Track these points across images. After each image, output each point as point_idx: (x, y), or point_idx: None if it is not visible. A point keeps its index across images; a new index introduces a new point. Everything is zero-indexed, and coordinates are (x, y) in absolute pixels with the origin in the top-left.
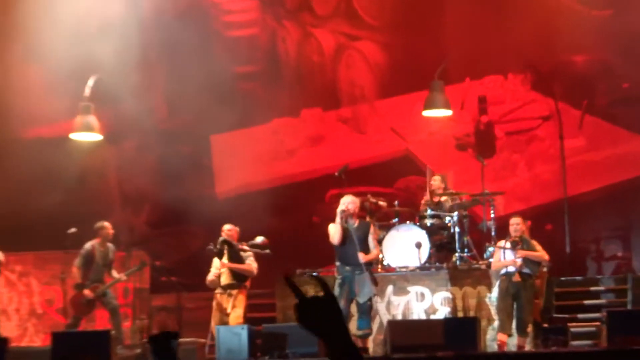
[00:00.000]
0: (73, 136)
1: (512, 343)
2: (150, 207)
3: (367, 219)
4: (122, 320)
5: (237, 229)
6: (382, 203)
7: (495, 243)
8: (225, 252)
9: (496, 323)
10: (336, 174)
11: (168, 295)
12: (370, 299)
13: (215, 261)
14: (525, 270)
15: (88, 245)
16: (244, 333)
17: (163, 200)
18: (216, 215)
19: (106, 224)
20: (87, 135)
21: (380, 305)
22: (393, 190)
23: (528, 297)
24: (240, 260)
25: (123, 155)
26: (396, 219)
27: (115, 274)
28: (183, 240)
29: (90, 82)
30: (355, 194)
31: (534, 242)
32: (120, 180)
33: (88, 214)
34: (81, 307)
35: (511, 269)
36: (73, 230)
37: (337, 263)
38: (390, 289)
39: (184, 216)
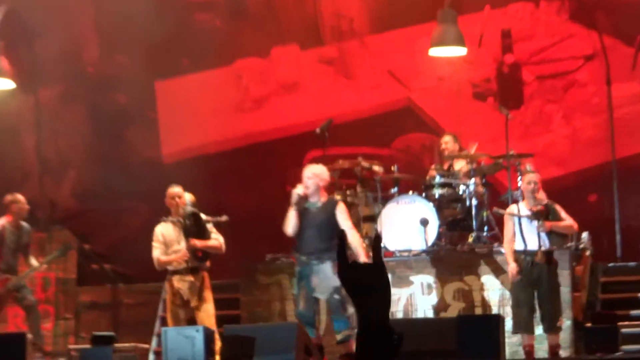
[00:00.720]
0: None
1: (544, 348)
2: (76, 175)
3: (336, 196)
4: (42, 321)
5: (190, 195)
6: (376, 168)
7: (501, 204)
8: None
9: (511, 322)
10: (317, 130)
11: (100, 288)
12: (336, 292)
13: (167, 234)
14: (549, 247)
15: None
16: (198, 336)
17: (93, 165)
18: (162, 184)
19: (19, 197)
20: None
21: None
22: (391, 151)
23: (554, 283)
24: (207, 236)
25: (42, 108)
26: (395, 189)
27: (32, 260)
28: (119, 217)
29: None
30: (343, 157)
31: (558, 206)
32: (38, 140)
33: None
34: None
35: (532, 246)
36: None
37: (295, 254)
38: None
39: (120, 186)
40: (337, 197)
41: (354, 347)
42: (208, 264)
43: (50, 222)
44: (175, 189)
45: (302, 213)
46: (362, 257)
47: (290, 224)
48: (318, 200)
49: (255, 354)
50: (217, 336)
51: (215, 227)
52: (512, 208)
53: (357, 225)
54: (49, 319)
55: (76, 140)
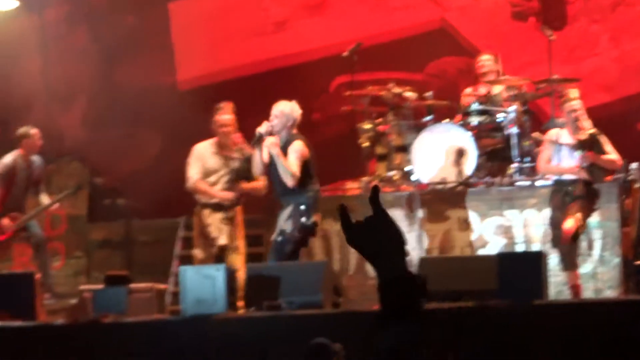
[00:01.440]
0: None
1: (591, 287)
2: (86, 102)
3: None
4: (51, 260)
5: None
6: (409, 94)
7: (543, 132)
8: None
9: (556, 260)
10: (345, 54)
11: (113, 224)
12: (281, 234)
13: (208, 161)
14: (587, 179)
15: (7, 159)
16: (219, 276)
17: (104, 92)
18: (177, 112)
19: (32, 130)
20: None
21: (407, 236)
22: (424, 76)
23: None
24: (252, 177)
25: (47, 30)
26: (429, 117)
27: (43, 198)
28: (133, 147)
29: None
30: (373, 83)
31: (604, 138)
32: (45, 64)
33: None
34: None
35: (569, 176)
36: None
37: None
38: (422, 213)
39: (133, 114)
40: (367, 126)
41: None
42: None
43: (59, 153)
44: (227, 117)
45: (262, 157)
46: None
47: (255, 166)
48: (284, 139)
49: (280, 295)
50: (241, 275)
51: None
52: (552, 134)
53: (389, 155)
54: (59, 257)
55: (85, 64)
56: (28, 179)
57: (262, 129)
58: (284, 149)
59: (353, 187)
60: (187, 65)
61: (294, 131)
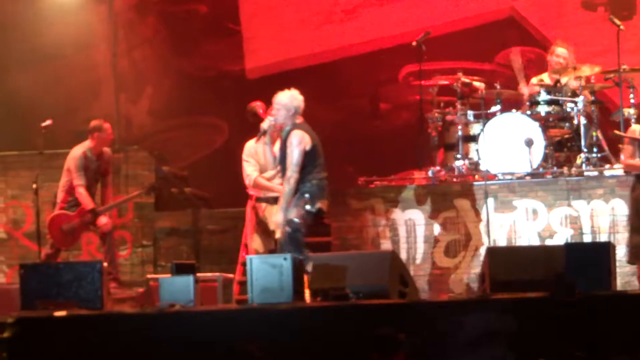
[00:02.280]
0: None
1: None
2: (153, 91)
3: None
4: (118, 248)
5: None
6: (477, 84)
7: (626, 130)
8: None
9: (623, 250)
10: (414, 43)
11: (180, 213)
12: (289, 224)
13: (261, 155)
14: None
15: (77, 152)
16: (286, 265)
17: (172, 80)
18: (245, 100)
19: (105, 125)
20: None
21: (474, 226)
22: (493, 66)
23: None
24: None
25: (116, 18)
26: (498, 107)
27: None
28: (201, 135)
29: None
30: (441, 72)
31: None
32: (113, 53)
33: (68, 101)
34: (63, 236)
35: None
36: (48, 122)
37: None
38: (489, 203)
39: (200, 103)
40: (438, 115)
41: None
42: None
43: (126, 141)
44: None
45: (280, 145)
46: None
47: (265, 160)
48: (287, 130)
49: (346, 284)
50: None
51: None
52: (636, 130)
53: (456, 145)
54: (126, 246)
55: (152, 54)
56: (97, 171)
57: (265, 124)
58: (284, 140)
59: (421, 177)
60: (255, 54)
61: (299, 120)
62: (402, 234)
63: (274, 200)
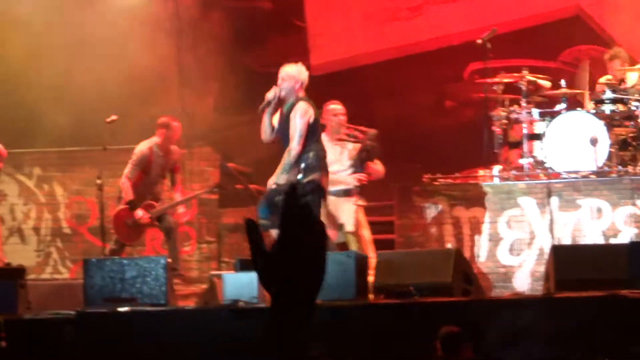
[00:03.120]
0: None
1: None
2: (219, 87)
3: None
4: (182, 244)
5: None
6: (543, 82)
7: None
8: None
9: None
10: (479, 41)
11: (244, 209)
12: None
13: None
14: None
15: (144, 146)
16: (349, 262)
17: (237, 76)
18: (310, 97)
19: (174, 123)
20: None
21: (539, 224)
22: (558, 64)
23: None
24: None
25: (181, 14)
26: (563, 105)
27: (177, 195)
28: None
29: None
30: (506, 70)
31: None
32: (178, 48)
33: (132, 97)
34: (128, 231)
35: None
36: (113, 118)
37: None
38: (554, 202)
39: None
40: (502, 113)
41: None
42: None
43: (191, 138)
44: (336, 106)
45: (280, 118)
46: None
47: (263, 130)
48: (290, 103)
49: (410, 282)
50: (372, 262)
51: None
52: None
53: (521, 143)
54: (190, 242)
55: (217, 49)
56: (164, 167)
57: (269, 94)
58: (288, 113)
59: (485, 175)
60: (320, 50)
61: (302, 94)
62: (466, 232)
63: (343, 193)
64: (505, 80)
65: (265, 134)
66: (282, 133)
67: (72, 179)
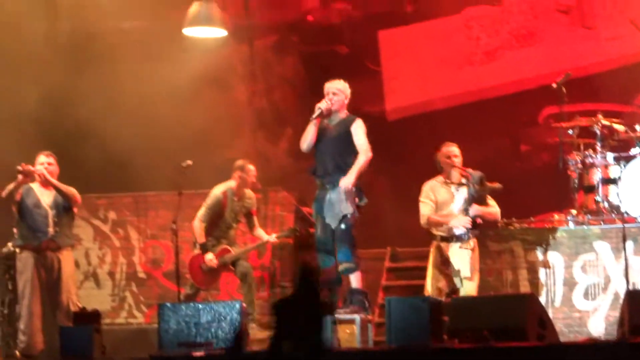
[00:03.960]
0: (186, 31)
1: None
2: (293, 130)
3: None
4: (257, 289)
5: None
6: (618, 126)
7: None
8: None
9: None
10: (554, 85)
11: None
12: (343, 222)
13: (439, 194)
14: None
15: (218, 190)
16: (424, 307)
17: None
18: (385, 141)
19: (249, 166)
20: (205, 31)
21: (614, 269)
22: (633, 108)
23: None
24: (485, 202)
25: (256, 58)
26: (637, 149)
27: (261, 232)
28: None
29: None
30: (581, 114)
31: None
32: (252, 92)
33: (206, 141)
34: (203, 276)
35: None
36: (188, 163)
37: (313, 176)
38: (629, 246)
39: None
40: (577, 157)
41: (354, 282)
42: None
43: (266, 182)
44: (453, 148)
45: (321, 131)
46: (349, 178)
47: (306, 138)
48: (338, 117)
49: (485, 326)
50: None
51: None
52: None
53: (596, 187)
54: (265, 287)
55: (291, 94)
56: (238, 212)
57: (322, 104)
58: (342, 126)
59: (560, 219)
60: (395, 95)
61: (346, 110)
62: (541, 276)
63: (456, 238)
64: (580, 124)
65: (308, 142)
66: (327, 144)
67: (147, 223)
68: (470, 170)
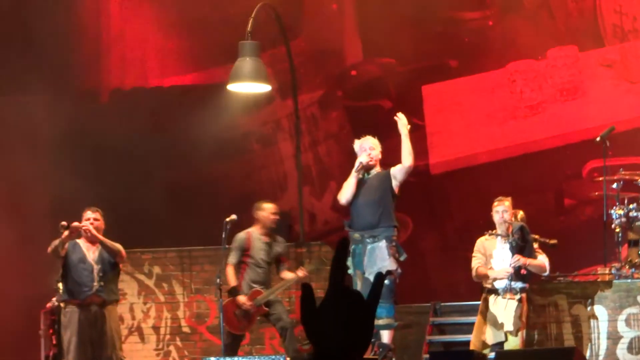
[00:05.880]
0: (230, 87)
1: None
2: (337, 185)
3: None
4: (302, 343)
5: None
6: None
7: None
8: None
9: None
10: (597, 139)
11: None
12: (385, 277)
13: (489, 247)
14: None
15: (242, 233)
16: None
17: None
18: (429, 196)
19: (265, 205)
20: (249, 86)
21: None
22: None
23: None
24: (532, 254)
25: (301, 113)
26: None
27: (286, 274)
28: None
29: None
30: (625, 167)
31: None
32: (297, 147)
33: (253, 195)
34: (238, 322)
35: None
36: (233, 218)
37: (349, 229)
38: None
39: None
40: (619, 211)
41: (385, 337)
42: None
43: (310, 237)
44: (502, 204)
45: (358, 185)
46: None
47: (347, 191)
48: (374, 171)
49: None
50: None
51: (541, 248)
52: None
53: (637, 242)
54: (309, 341)
55: (336, 148)
56: (268, 253)
57: (363, 159)
58: (381, 178)
59: (604, 273)
60: (439, 149)
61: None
62: (585, 330)
63: (503, 290)
64: (624, 178)
65: (348, 195)
66: (366, 197)
67: (191, 278)
68: (512, 220)
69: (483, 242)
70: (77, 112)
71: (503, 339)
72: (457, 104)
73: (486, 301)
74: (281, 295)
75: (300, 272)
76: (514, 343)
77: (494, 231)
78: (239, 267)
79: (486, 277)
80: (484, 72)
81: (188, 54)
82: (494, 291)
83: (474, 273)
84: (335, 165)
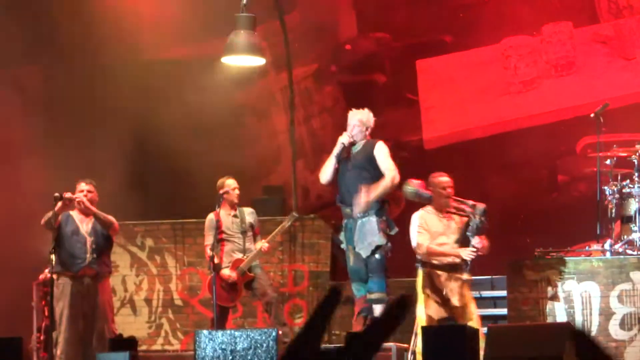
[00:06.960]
0: (225, 60)
1: None
2: None
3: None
4: (294, 316)
5: None
6: None
7: None
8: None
9: None
10: (592, 115)
11: None
12: (376, 251)
13: (432, 224)
14: None
15: (210, 214)
16: (459, 334)
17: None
18: (423, 171)
19: (229, 181)
20: (244, 59)
21: None
22: None
23: None
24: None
25: (295, 87)
26: None
27: (258, 244)
28: None
29: None
30: (619, 144)
31: None
32: (290, 121)
33: (246, 169)
34: (224, 293)
35: None
36: (225, 190)
37: (340, 205)
38: None
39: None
40: (615, 187)
41: (378, 311)
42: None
43: (304, 210)
44: (444, 178)
45: (344, 160)
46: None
47: (327, 171)
48: (360, 145)
49: (521, 355)
50: (481, 336)
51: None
52: None
53: (633, 218)
54: (302, 314)
55: (330, 122)
56: (239, 225)
57: (343, 139)
58: (364, 153)
59: (597, 249)
60: (433, 124)
61: (368, 137)
62: (577, 306)
63: (449, 267)
64: (618, 154)
65: (328, 175)
66: (352, 172)
67: (184, 251)
68: (471, 202)
69: (424, 217)
70: (70, 81)
71: (449, 314)
72: (451, 79)
73: (430, 277)
74: (273, 269)
75: (260, 245)
76: (461, 318)
77: (440, 210)
78: (218, 245)
79: (443, 255)
80: (478, 47)
81: (182, 26)
82: (439, 267)
83: (422, 250)
84: (329, 140)
